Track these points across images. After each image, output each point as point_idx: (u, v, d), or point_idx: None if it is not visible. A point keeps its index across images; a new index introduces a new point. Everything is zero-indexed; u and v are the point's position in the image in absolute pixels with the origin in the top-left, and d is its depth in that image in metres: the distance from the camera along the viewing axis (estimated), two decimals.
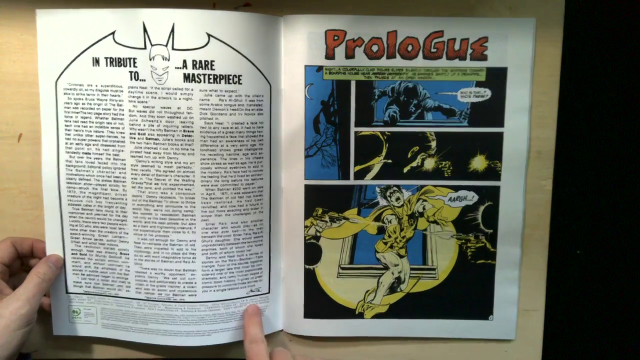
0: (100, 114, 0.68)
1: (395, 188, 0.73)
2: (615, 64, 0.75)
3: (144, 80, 0.66)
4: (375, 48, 0.69)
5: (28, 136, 0.71)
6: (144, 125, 0.67)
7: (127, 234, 0.70)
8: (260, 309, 0.73)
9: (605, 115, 0.76)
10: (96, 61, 0.67)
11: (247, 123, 0.68)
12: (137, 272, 0.71)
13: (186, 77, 0.66)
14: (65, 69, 0.68)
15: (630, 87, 0.76)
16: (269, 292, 0.73)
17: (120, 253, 0.71)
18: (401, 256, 0.74)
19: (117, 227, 0.70)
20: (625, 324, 0.80)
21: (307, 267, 0.74)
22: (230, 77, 0.67)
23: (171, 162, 0.68)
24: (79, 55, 0.67)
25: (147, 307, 0.72)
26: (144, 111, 0.67)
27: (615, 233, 0.78)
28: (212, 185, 0.68)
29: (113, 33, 0.66)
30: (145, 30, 0.65)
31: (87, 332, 0.74)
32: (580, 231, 0.78)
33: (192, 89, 0.66)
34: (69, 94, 0.68)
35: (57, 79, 0.68)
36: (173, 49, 0.66)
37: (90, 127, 0.68)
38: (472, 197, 0.73)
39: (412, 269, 0.74)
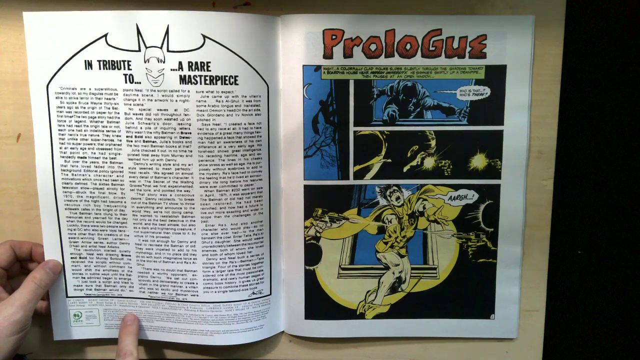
0: (95, 117, 0.67)
1: (395, 187, 0.72)
2: (617, 64, 0.74)
3: (139, 82, 0.66)
4: (373, 47, 0.69)
5: (27, 136, 0.71)
6: (141, 127, 0.67)
7: (128, 235, 0.70)
8: (137, 319, 0.73)
9: (606, 116, 0.76)
10: (89, 64, 0.66)
11: (245, 124, 0.68)
12: (140, 273, 0.71)
13: (182, 79, 0.66)
14: (57, 72, 0.67)
15: (632, 87, 0.75)
16: (270, 294, 0.73)
17: (122, 255, 0.71)
18: (402, 256, 0.74)
19: (117, 230, 0.70)
20: (626, 324, 0.80)
21: (307, 267, 0.74)
22: (227, 78, 0.66)
23: (169, 164, 0.68)
24: (70, 59, 0.66)
25: (151, 306, 0.73)
26: (140, 114, 0.67)
27: (616, 233, 0.78)
28: (210, 187, 0.68)
29: (105, 36, 0.65)
30: (139, 32, 0.65)
31: (89, 334, 0.74)
32: (581, 231, 0.78)
33: (188, 91, 0.66)
34: (61, 97, 0.67)
35: (48, 83, 0.67)
36: (168, 50, 0.65)
37: (85, 131, 0.68)
38: (472, 196, 0.72)
39: (412, 268, 0.74)
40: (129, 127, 0.67)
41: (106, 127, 0.67)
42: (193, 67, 0.65)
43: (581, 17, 0.72)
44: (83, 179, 0.69)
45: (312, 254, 0.73)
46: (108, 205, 0.70)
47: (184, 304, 0.72)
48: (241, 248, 0.71)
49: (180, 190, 0.68)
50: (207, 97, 0.66)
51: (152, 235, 0.70)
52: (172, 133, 0.67)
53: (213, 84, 0.66)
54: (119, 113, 0.67)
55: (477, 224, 0.73)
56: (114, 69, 0.66)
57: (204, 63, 0.66)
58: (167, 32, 0.65)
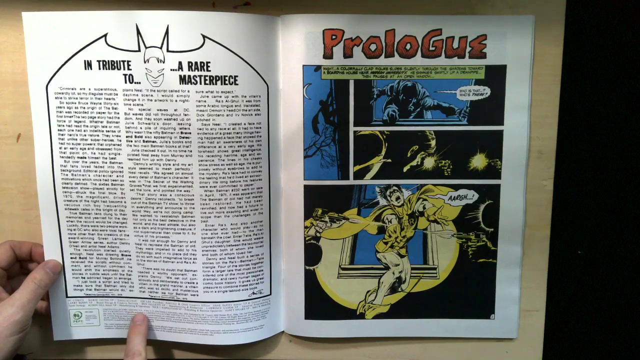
0: (95, 117, 0.67)
1: (395, 187, 0.72)
2: (617, 64, 0.74)
3: (139, 82, 0.66)
4: (373, 47, 0.69)
5: (27, 136, 0.71)
6: (141, 128, 0.67)
7: (128, 235, 0.70)
8: (147, 319, 0.73)
9: (606, 116, 0.76)
10: (88, 64, 0.66)
11: (245, 124, 0.68)
12: (140, 272, 0.71)
13: (182, 79, 0.66)
14: (56, 72, 0.67)
15: (632, 87, 0.75)
16: (270, 294, 0.73)
17: (122, 255, 0.71)
18: (402, 256, 0.74)
19: (117, 230, 0.70)
20: (626, 323, 0.80)
21: (307, 267, 0.74)
22: (227, 78, 0.66)
23: (169, 164, 0.68)
24: (70, 59, 0.66)
25: (151, 306, 0.73)
26: (140, 114, 0.67)
27: (616, 233, 0.78)
28: (210, 187, 0.68)
29: (105, 36, 0.65)
30: (138, 32, 0.65)
31: (89, 334, 0.74)
32: (581, 231, 0.78)
33: (188, 91, 0.66)
34: (61, 98, 0.67)
35: (48, 83, 0.67)
36: (168, 50, 0.65)
37: (84, 131, 0.68)
38: (472, 196, 0.72)
39: (412, 268, 0.74)
40: (128, 127, 0.67)
41: (106, 127, 0.67)
42: (193, 67, 0.65)
43: (581, 17, 0.72)
44: (83, 179, 0.69)
45: (312, 254, 0.73)
46: (108, 205, 0.70)
47: (184, 304, 0.72)
48: (241, 248, 0.71)
49: (180, 190, 0.68)
50: (207, 97, 0.66)
51: (152, 235, 0.70)
52: (172, 133, 0.67)
53: (213, 84, 0.66)
54: (118, 113, 0.67)
55: (477, 224, 0.73)
56: (114, 69, 0.66)
57: (203, 63, 0.65)
58: (167, 32, 0.65)
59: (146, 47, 0.65)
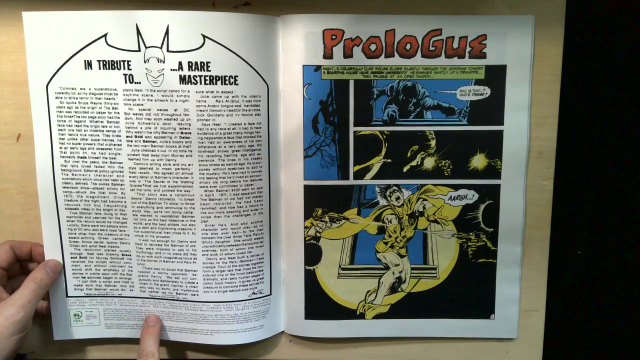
0: (95, 117, 0.67)
1: (395, 187, 0.72)
2: (617, 64, 0.74)
3: (139, 82, 0.66)
4: (373, 47, 0.69)
5: (27, 136, 0.71)
6: (141, 128, 0.67)
7: (128, 235, 0.70)
8: (160, 320, 0.73)
9: (606, 116, 0.76)
10: (88, 64, 0.66)
11: (245, 124, 0.68)
12: (140, 272, 0.71)
13: (182, 79, 0.66)
14: (56, 72, 0.67)
15: (632, 87, 0.75)
16: (270, 294, 0.73)
17: (122, 254, 0.71)
18: (402, 256, 0.74)
19: (118, 230, 0.70)
20: (626, 323, 0.80)
21: (307, 268, 0.74)
22: (227, 78, 0.66)
23: (169, 164, 0.68)
24: (70, 59, 0.66)
25: (152, 305, 0.73)
26: (140, 114, 0.67)
27: (616, 233, 0.78)
28: (210, 187, 0.68)
29: (105, 35, 0.65)
30: (138, 32, 0.65)
31: (89, 334, 0.74)
32: (581, 231, 0.78)
33: (188, 91, 0.66)
34: (61, 97, 0.67)
35: (48, 83, 0.67)
36: (168, 50, 0.65)
37: (84, 131, 0.68)
38: (472, 196, 0.72)
39: (412, 268, 0.74)
40: (129, 127, 0.67)
41: (106, 127, 0.67)
42: (193, 67, 0.65)
43: (581, 17, 0.72)
44: (83, 179, 0.69)
45: (312, 254, 0.73)
46: (108, 205, 0.70)
47: (184, 304, 0.72)
48: (241, 248, 0.71)
49: (180, 190, 0.68)
50: (207, 97, 0.66)
51: (152, 235, 0.70)
52: (172, 133, 0.67)
53: (213, 84, 0.66)
54: (118, 113, 0.67)
55: (477, 224, 0.73)
56: (114, 69, 0.66)
57: (203, 63, 0.66)
58: (167, 32, 0.65)
59: (146, 47, 0.65)
